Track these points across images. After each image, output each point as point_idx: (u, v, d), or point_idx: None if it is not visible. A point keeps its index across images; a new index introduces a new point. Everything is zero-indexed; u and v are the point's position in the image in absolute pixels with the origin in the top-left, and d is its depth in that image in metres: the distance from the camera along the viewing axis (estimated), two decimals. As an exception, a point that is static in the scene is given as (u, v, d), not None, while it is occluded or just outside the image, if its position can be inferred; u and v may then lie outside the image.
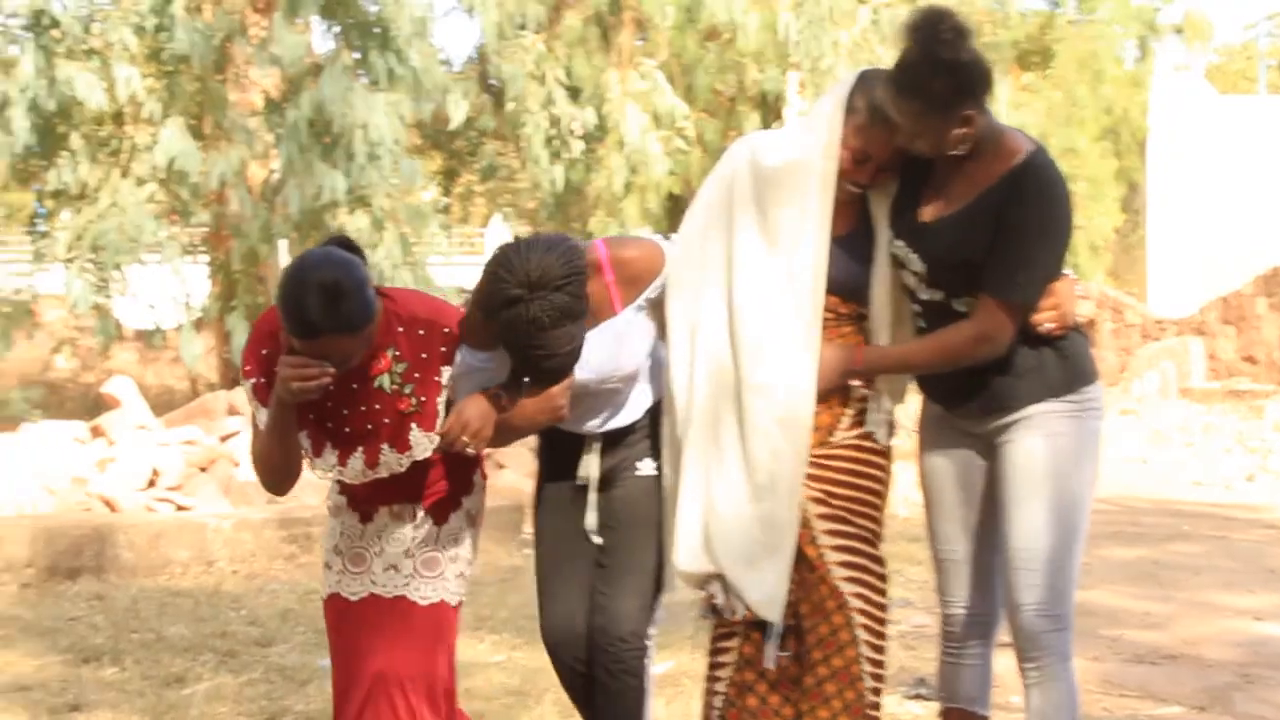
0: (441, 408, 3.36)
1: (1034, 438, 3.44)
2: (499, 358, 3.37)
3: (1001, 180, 3.33)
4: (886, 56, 12.80)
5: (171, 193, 12.73)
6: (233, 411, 9.72)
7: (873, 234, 3.56)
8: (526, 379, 3.38)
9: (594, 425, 3.69)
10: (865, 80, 3.52)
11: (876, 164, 3.50)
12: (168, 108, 12.25)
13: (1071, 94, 24.39)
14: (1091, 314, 22.62)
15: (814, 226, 3.50)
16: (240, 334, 12.82)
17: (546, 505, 3.83)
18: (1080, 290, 3.53)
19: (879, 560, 3.62)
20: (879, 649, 3.60)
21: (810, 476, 3.57)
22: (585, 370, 3.50)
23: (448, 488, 3.54)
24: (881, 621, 3.62)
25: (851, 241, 3.57)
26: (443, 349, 3.37)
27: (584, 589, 3.73)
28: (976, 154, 3.36)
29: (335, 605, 3.54)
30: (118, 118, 12.51)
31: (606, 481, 3.71)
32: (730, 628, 3.62)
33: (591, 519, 3.70)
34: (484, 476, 3.63)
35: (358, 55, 12.76)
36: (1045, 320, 3.39)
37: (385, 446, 3.38)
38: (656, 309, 3.69)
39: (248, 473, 8.37)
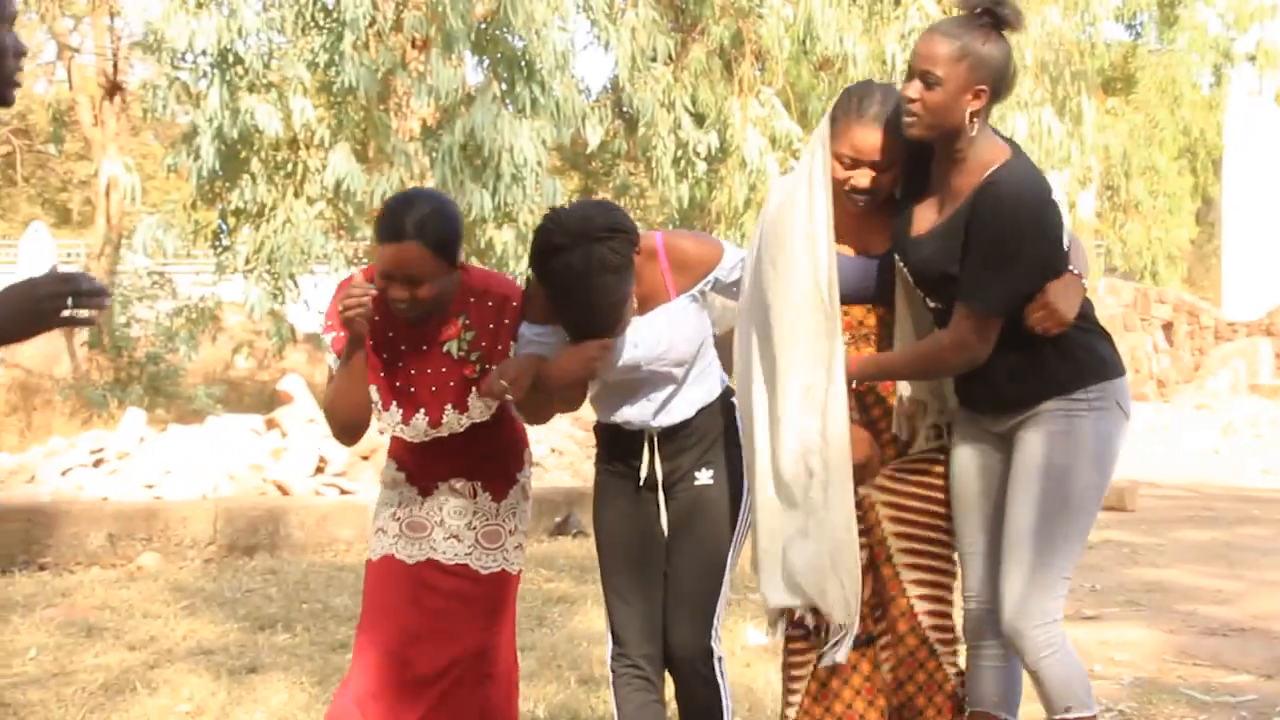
0: None
1: (1033, 435, 3.42)
2: (557, 333, 3.40)
3: (973, 193, 3.31)
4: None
5: (339, 210, 12.91)
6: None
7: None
8: (569, 339, 3.38)
9: (647, 414, 3.59)
10: (844, 93, 3.49)
11: (871, 167, 3.41)
12: (336, 134, 12.37)
13: (1152, 117, 24.78)
14: (1168, 317, 22.75)
15: (822, 239, 3.44)
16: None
17: (608, 505, 3.72)
18: (1086, 286, 3.44)
19: (950, 574, 3.61)
20: (953, 650, 3.60)
21: (881, 490, 3.56)
22: (636, 350, 3.48)
23: (503, 465, 3.56)
24: (951, 630, 3.61)
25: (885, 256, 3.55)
26: (508, 322, 3.39)
27: (654, 594, 3.64)
28: (963, 167, 3.35)
29: (386, 566, 3.48)
30: (292, 144, 12.60)
31: (666, 487, 3.62)
32: (808, 638, 3.59)
33: (664, 522, 3.62)
34: (530, 454, 3.64)
35: (505, 86, 12.74)
36: (1035, 321, 3.35)
37: (449, 407, 3.38)
38: (713, 303, 3.66)
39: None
